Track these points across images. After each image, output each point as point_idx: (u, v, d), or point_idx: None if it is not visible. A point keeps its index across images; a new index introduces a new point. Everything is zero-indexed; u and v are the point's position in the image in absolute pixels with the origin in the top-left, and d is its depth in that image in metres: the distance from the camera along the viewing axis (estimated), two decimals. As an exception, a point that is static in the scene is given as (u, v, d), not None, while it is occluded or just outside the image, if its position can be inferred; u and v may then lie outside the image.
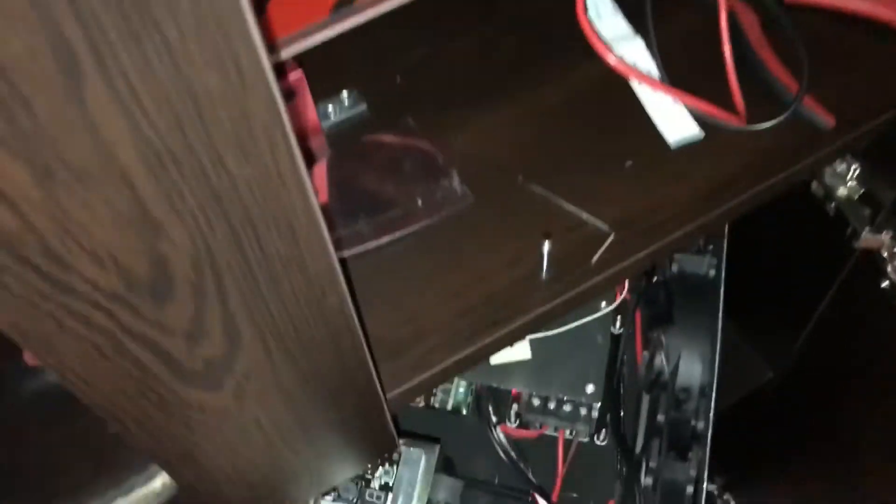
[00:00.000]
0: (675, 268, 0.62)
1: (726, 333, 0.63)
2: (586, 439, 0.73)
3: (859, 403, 0.76)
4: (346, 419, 0.40)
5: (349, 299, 0.32)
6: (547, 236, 0.46)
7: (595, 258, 0.48)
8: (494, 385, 0.65)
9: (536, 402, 0.70)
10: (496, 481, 0.73)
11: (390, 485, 0.58)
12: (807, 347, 0.80)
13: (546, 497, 0.67)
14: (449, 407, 0.74)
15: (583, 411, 0.69)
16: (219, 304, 0.27)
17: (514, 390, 0.72)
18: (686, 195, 0.50)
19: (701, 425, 0.57)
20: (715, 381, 0.56)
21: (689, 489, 0.55)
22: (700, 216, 0.49)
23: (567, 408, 0.69)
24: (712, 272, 0.61)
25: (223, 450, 0.35)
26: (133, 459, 0.35)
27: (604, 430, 0.72)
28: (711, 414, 0.55)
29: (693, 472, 0.55)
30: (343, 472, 0.45)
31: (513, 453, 0.68)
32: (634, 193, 0.50)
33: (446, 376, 0.47)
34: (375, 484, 0.58)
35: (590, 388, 0.62)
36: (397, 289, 0.49)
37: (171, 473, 0.35)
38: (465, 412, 0.75)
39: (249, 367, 0.31)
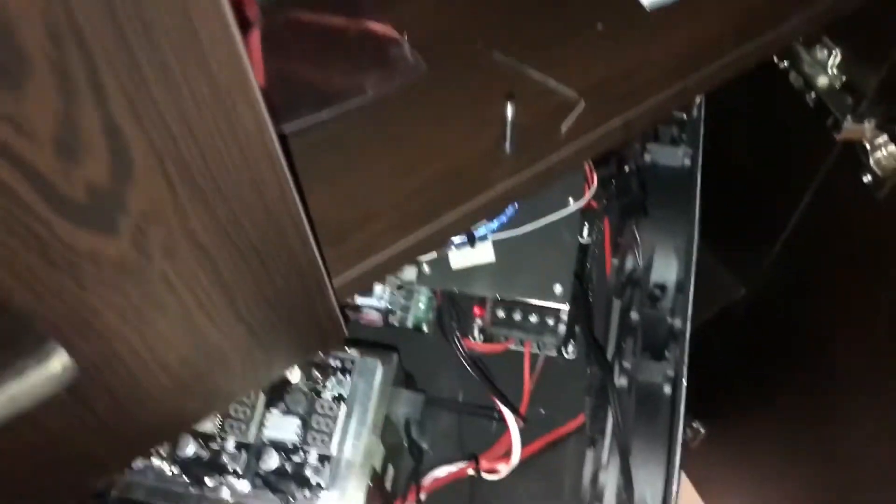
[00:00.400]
0: (647, 158, 0.57)
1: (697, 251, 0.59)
2: (554, 353, 0.69)
3: (837, 313, 0.72)
4: (283, 295, 0.35)
5: (270, 125, 0.27)
6: (510, 98, 0.41)
7: (564, 126, 0.43)
8: (456, 290, 0.60)
9: (501, 313, 0.65)
10: (460, 399, 0.69)
11: (344, 396, 0.53)
12: (783, 256, 0.77)
13: (514, 409, 0.63)
14: (409, 325, 0.69)
15: (550, 321, 0.65)
16: (93, 100, 0.21)
17: (476, 308, 0.68)
18: (662, 59, 0.45)
19: (678, 323, 0.52)
20: (693, 277, 0.52)
21: (667, 389, 0.51)
22: (678, 81, 0.44)
23: (533, 318, 0.65)
24: (687, 162, 0.57)
25: (128, 318, 0.29)
26: (25, 335, 0.29)
27: (571, 344, 0.68)
28: (690, 310, 0.51)
29: (671, 372, 0.51)
30: (283, 361, 0.40)
31: (478, 365, 0.64)
32: (606, 58, 0.45)
33: (400, 262, 0.42)
34: (327, 395, 0.53)
35: (558, 289, 0.58)
36: (343, 168, 0.44)
37: (67, 349, 0.29)
38: (426, 330, 0.70)
39: (148, 204, 0.26)
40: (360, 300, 0.70)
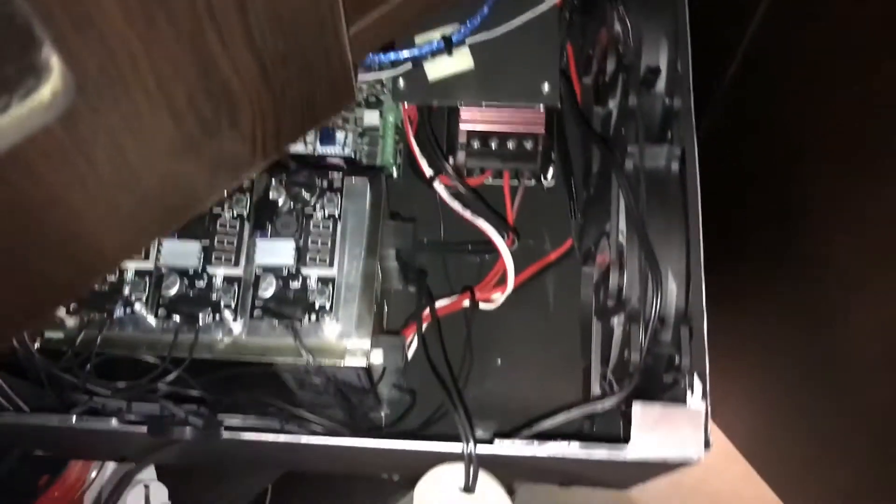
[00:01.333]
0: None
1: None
2: (532, 182, 0.66)
3: (805, 134, 0.66)
4: (297, 17, 0.30)
5: None
6: None
7: None
8: (436, 103, 0.56)
9: (476, 143, 0.62)
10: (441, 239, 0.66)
11: (336, 216, 0.49)
12: (738, 79, 0.71)
13: (503, 231, 0.59)
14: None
15: (528, 145, 0.62)
16: None
17: (443, 178, 0.63)
18: None
19: (678, 102, 0.50)
20: (689, 52, 0.50)
21: (675, 167, 0.49)
22: None
23: (511, 144, 0.62)
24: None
25: (132, 15, 0.24)
26: (15, 36, 0.23)
27: (550, 170, 0.65)
28: (691, 85, 0.49)
29: (677, 150, 0.49)
30: (293, 124, 0.34)
31: (470, 191, 0.60)
32: None
33: (411, 10, 0.38)
34: (319, 214, 0.48)
35: (546, 88, 0.54)
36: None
37: (64, 58, 0.24)
38: (394, 175, 0.66)
39: None
40: (321, 149, 0.65)
